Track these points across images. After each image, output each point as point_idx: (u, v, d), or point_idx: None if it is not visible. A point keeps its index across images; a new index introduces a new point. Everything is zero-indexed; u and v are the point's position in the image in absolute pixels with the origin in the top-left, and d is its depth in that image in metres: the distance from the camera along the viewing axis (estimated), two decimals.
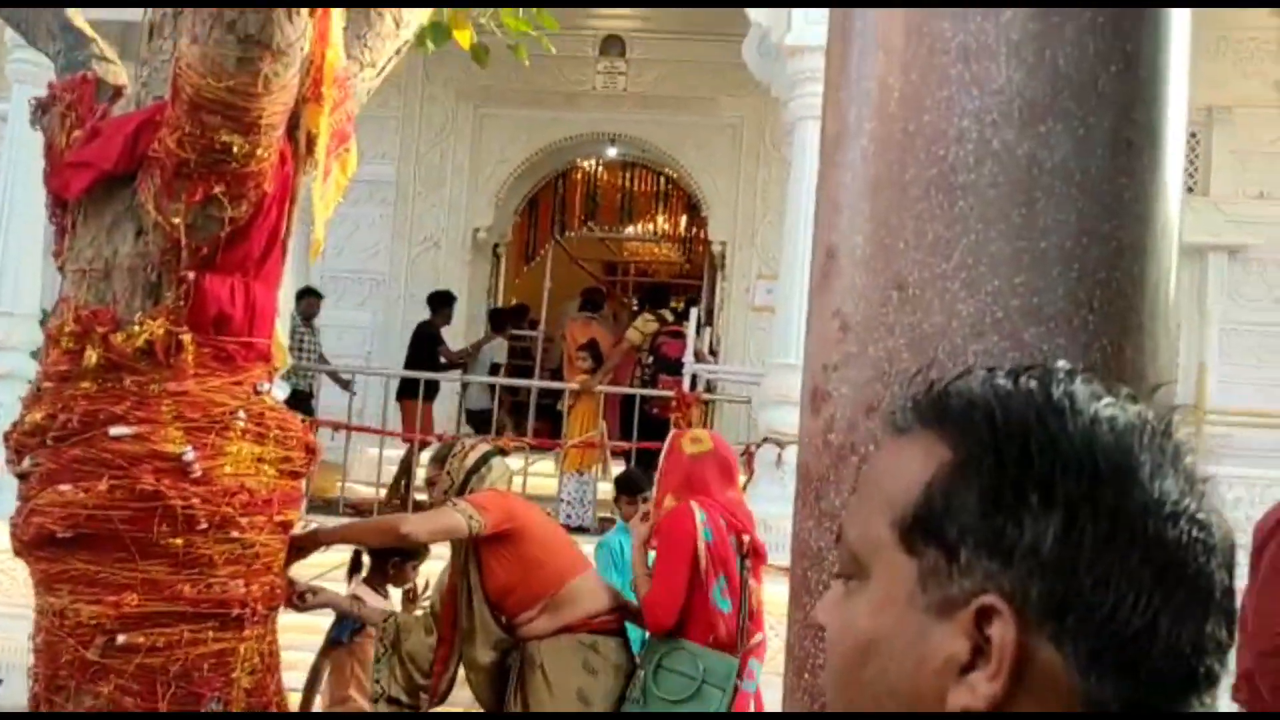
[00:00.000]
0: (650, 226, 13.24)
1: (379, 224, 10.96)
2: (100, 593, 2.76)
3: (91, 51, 3.19)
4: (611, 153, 11.68)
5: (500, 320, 10.71)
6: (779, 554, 4.36)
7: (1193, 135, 9.84)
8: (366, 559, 4.27)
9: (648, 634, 3.77)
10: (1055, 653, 0.65)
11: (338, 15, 2.98)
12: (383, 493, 8.30)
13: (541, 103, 10.69)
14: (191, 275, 2.83)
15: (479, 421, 9.42)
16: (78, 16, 3.34)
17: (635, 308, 12.00)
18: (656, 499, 3.97)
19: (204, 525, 2.79)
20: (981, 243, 1.26)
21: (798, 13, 6.71)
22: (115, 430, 2.77)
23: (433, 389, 9.25)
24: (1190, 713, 0.66)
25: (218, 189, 2.77)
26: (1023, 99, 1.26)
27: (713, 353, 9.92)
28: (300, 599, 3.53)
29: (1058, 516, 0.65)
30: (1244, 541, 7.09)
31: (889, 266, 1.30)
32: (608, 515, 7.50)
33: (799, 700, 1.38)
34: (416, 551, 4.07)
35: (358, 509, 7.96)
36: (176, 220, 2.78)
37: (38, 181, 3.18)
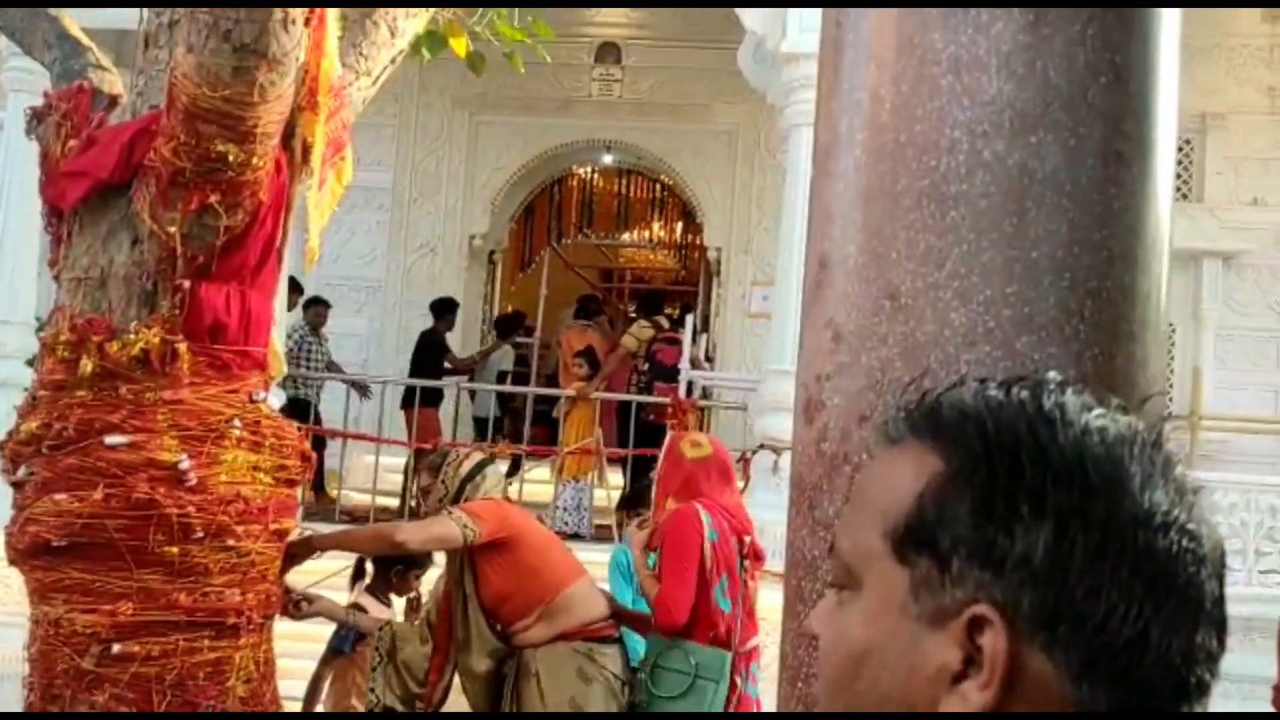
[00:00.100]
0: (646, 233, 13.24)
1: (375, 231, 10.97)
2: (95, 601, 2.76)
3: (87, 60, 3.19)
4: (607, 160, 11.70)
5: (507, 328, 10.69)
6: (774, 560, 4.37)
7: (1187, 142, 9.87)
8: (370, 567, 4.27)
9: (653, 635, 3.79)
10: (1047, 662, 0.65)
11: (333, 24, 2.99)
12: (380, 500, 8.30)
13: (537, 110, 10.70)
14: (187, 284, 2.83)
15: (486, 430, 9.38)
16: (73, 25, 3.34)
17: (632, 314, 12.00)
18: (656, 502, 3.98)
19: (199, 534, 2.79)
20: (973, 253, 1.27)
21: (792, 20, 6.73)
22: (110, 439, 2.77)
23: (437, 395, 9.24)
24: (1182, 713, 0.67)
25: (213, 198, 2.77)
26: (1013, 110, 1.27)
27: (709, 359, 9.92)
28: (296, 607, 3.52)
29: (1049, 527, 0.66)
30: (1239, 547, 7.06)
31: (881, 276, 1.30)
32: (604, 523, 7.50)
33: (793, 709, 1.38)
34: (419, 560, 4.06)
35: (353, 516, 7.95)
36: (172, 229, 2.78)
37: (33, 190, 3.18)
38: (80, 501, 2.75)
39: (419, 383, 8.95)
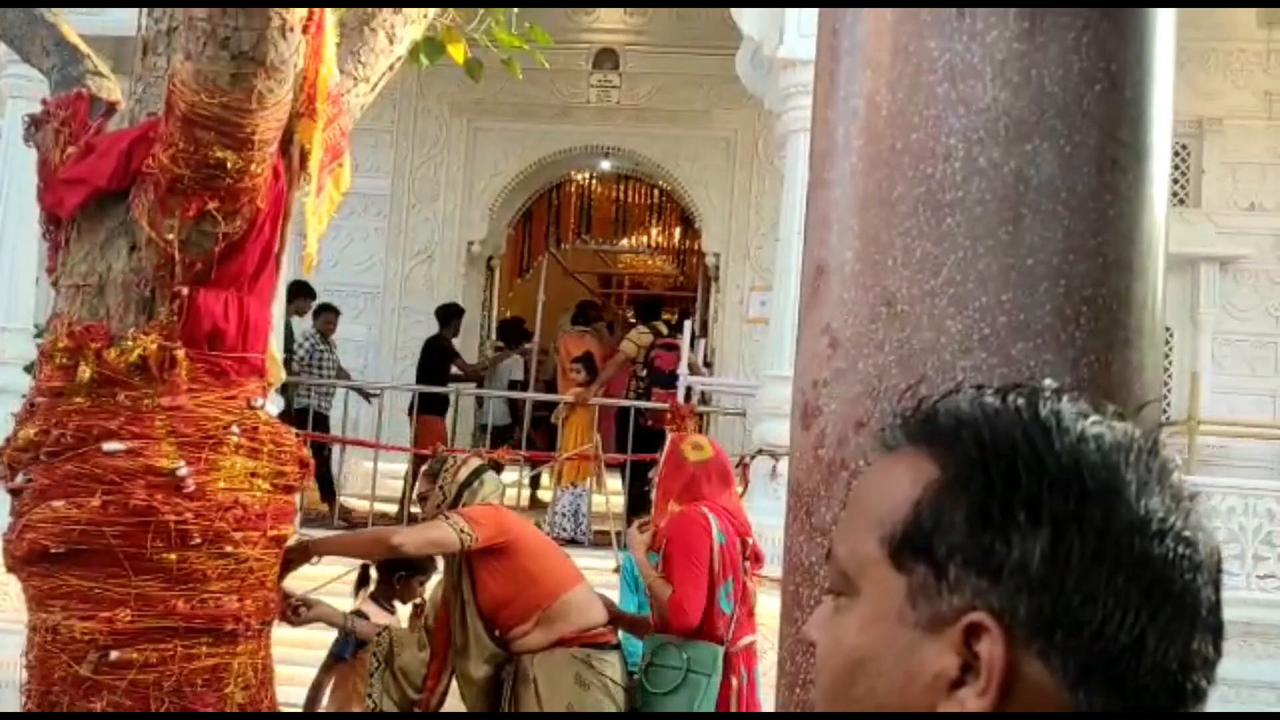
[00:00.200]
0: (644, 239, 13.25)
1: (373, 237, 10.97)
2: (93, 608, 2.76)
3: (85, 67, 3.19)
4: (605, 166, 11.71)
5: (516, 336, 10.68)
6: (772, 566, 4.38)
7: (1184, 147, 9.89)
8: (374, 573, 4.27)
9: (650, 636, 3.80)
10: (1043, 669, 0.66)
11: (331, 32, 3.00)
12: (378, 506, 8.30)
13: (535, 116, 10.72)
14: (185, 291, 2.83)
15: (500, 438, 9.36)
16: (72, 33, 3.35)
17: (632, 320, 12.01)
18: (657, 504, 3.99)
19: (197, 540, 2.79)
20: (969, 259, 1.27)
21: (790, 26, 6.74)
22: (108, 446, 2.77)
23: (443, 402, 9.23)
24: (1178, 713, 0.67)
25: (211, 205, 2.77)
26: (1009, 117, 1.27)
27: (707, 365, 9.92)
28: (295, 613, 3.52)
29: (1045, 534, 0.66)
30: (1236, 552, 7.06)
31: (878, 283, 1.31)
32: (602, 528, 7.50)
33: None
34: (423, 566, 4.06)
35: (351, 522, 7.95)
36: (170, 236, 2.78)
37: (32, 197, 3.19)
38: (78, 508, 2.75)
39: (423, 389, 8.96)
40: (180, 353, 2.82)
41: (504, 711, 3.68)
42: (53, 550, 2.76)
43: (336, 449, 8.75)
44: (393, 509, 8.46)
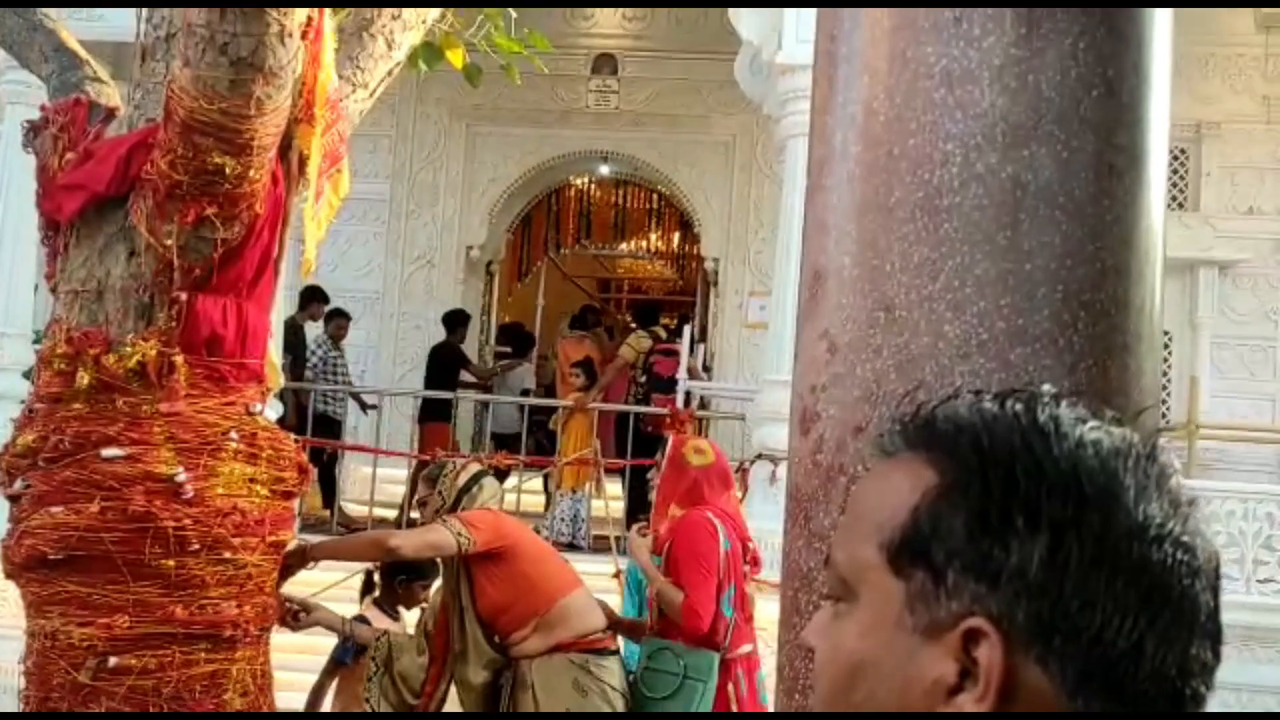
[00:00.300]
0: (643, 244, 13.26)
1: (372, 242, 10.97)
2: (92, 614, 2.75)
3: (84, 73, 3.20)
4: (604, 170, 11.72)
5: (525, 344, 10.67)
6: (771, 571, 4.38)
7: (1182, 151, 9.91)
8: (378, 579, 4.27)
9: (647, 639, 3.80)
10: (1042, 675, 0.66)
11: (330, 38, 3.00)
12: (377, 511, 8.29)
13: (534, 121, 10.73)
14: (184, 296, 2.83)
15: (507, 445, 9.35)
16: (70, 38, 3.35)
17: (633, 325, 12.01)
18: (658, 508, 3.99)
19: (196, 546, 2.78)
20: (967, 265, 1.27)
21: (788, 31, 6.75)
22: (107, 452, 2.77)
23: (449, 410, 9.24)
24: (1175, 713, 0.67)
25: (210, 210, 2.77)
26: (1006, 123, 1.28)
27: (706, 369, 9.92)
28: (294, 618, 3.51)
29: (1044, 539, 0.66)
30: (1236, 556, 7.06)
31: (876, 288, 1.31)
32: (601, 534, 7.50)
33: None
34: (424, 571, 4.05)
35: (349, 528, 7.94)
36: (169, 242, 2.78)
37: (30, 203, 3.19)
38: (77, 514, 2.74)
39: (427, 394, 8.96)
40: (179, 358, 2.82)
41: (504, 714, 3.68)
42: (51, 556, 2.75)
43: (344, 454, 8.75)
44: (392, 514, 8.46)
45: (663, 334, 9.22)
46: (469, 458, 5.17)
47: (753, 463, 6.81)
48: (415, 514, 4.33)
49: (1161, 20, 1.36)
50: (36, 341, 5.98)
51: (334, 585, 4.49)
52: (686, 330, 8.77)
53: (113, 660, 2.74)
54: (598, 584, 4.64)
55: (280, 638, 3.26)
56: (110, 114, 3.07)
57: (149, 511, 2.74)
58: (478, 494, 3.76)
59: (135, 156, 2.83)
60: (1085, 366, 1.27)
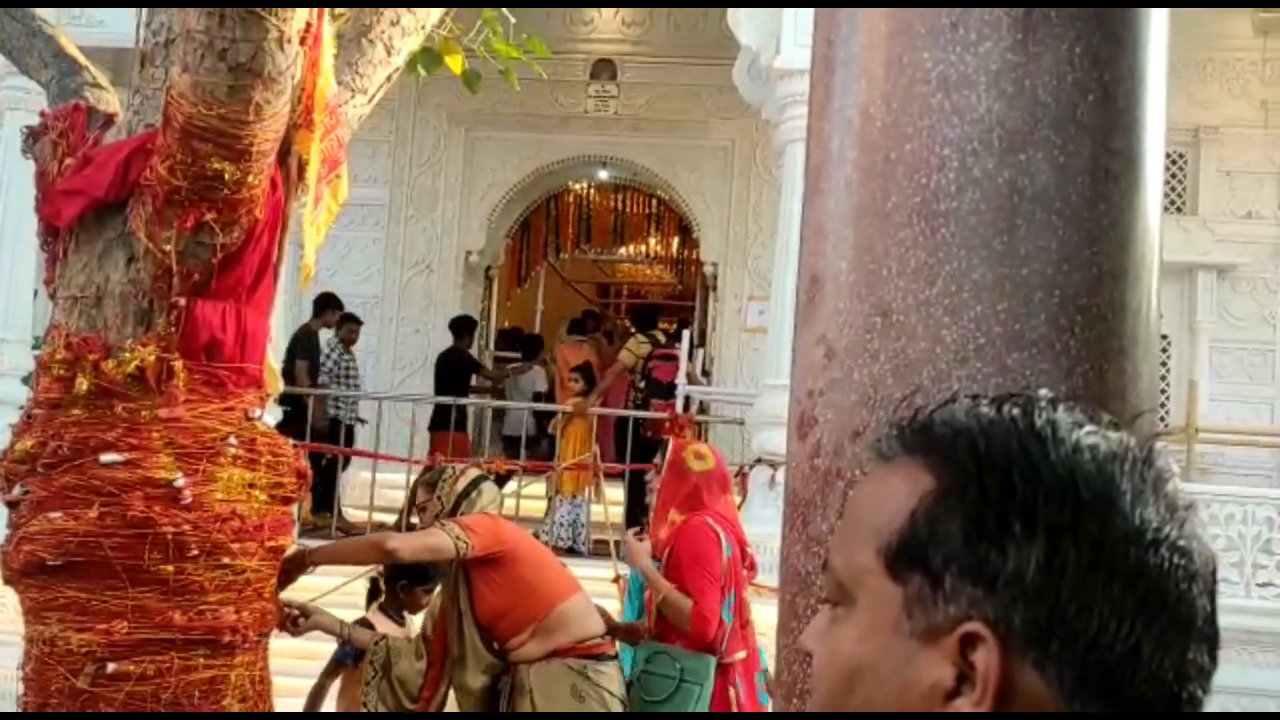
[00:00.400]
0: (642, 248, 13.27)
1: (371, 247, 10.98)
2: (90, 620, 2.75)
3: (83, 79, 3.20)
4: (603, 175, 11.73)
5: (535, 346, 10.67)
6: (771, 575, 4.38)
7: (1181, 155, 9.92)
8: (383, 584, 4.27)
9: (644, 643, 3.81)
10: (1039, 679, 0.66)
11: (329, 43, 3.00)
12: (376, 516, 8.28)
13: (533, 126, 10.74)
14: (183, 302, 2.83)
15: (518, 448, 9.35)
16: (70, 44, 3.36)
17: (632, 329, 12.03)
18: (657, 512, 3.99)
19: (195, 552, 2.78)
20: (964, 269, 1.27)
21: (787, 36, 6.77)
22: (106, 457, 2.76)
23: (462, 416, 9.24)
24: (1173, 713, 0.67)
25: (209, 216, 2.78)
26: (1002, 128, 1.28)
27: (705, 374, 9.92)
28: (294, 623, 3.51)
29: (1040, 544, 0.66)
30: (1235, 560, 7.05)
31: (873, 293, 1.31)
32: (601, 538, 7.49)
33: None
34: (425, 575, 4.05)
35: (348, 533, 7.93)
36: (168, 247, 2.79)
37: (30, 209, 3.19)
38: (75, 520, 2.74)
39: (428, 399, 8.96)
40: (178, 364, 2.82)
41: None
42: (50, 562, 2.75)
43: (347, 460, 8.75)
44: (391, 519, 8.45)
45: (662, 339, 9.22)
46: (468, 463, 5.18)
47: (752, 467, 6.81)
48: (415, 519, 4.33)
49: (1158, 25, 1.37)
50: (35, 347, 5.98)
51: (332, 591, 4.49)
52: (686, 335, 8.76)
53: (111, 666, 2.74)
54: (597, 589, 4.63)
55: (279, 643, 3.25)
56: (109, 120, 3.07)
57: (148, 517, 2.73)
58: (476, 499, 3.76)
59: (134, 162, 2.83)
60: (1082, 371, 1.28)
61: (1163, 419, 9.36)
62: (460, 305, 10.88)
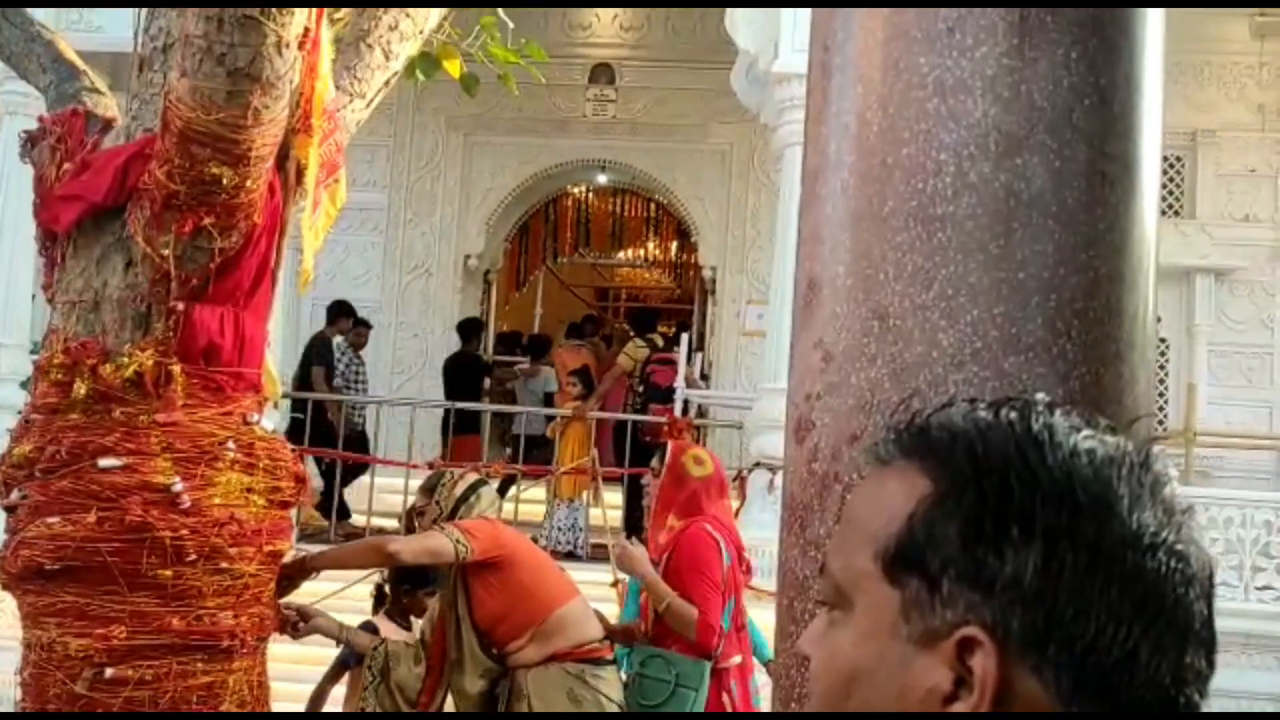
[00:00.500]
0: (641, 252, 13.28)
1: (369, 251, 10.99)
2: (88, 625, 2.75)
3: (82, 84, 3.20)
4: (602, 179, 11.74)
5: (544, 347, 10.68)
6: (768, 579, 4.38)
7: (1178, 159, 9.93)
8: (389, 590, 4.27)
9: (640, 644, 3.80)
10: (1037, 683, 0.66)
11: (327, 48, 3.01)
12: (375, 521, 8.28)
13: (532, 130, 10.75)
14: (181, 306, 2.83)
15: (534, 448, 9.34)
16: (68, 49, 3.36)
17: (630, 333, 12.04)
18: (655, 516, 3.98)
19: (193, 556, 2.78)
20: (961, 274, 1.28)
21: (785, 40, 6.78)
22: (104, 462, 2.76)
23: (476, 420, 9.23)
24: (1172, 713, 0.67)
25: (207, 220, 2.78)
26: (999, 132, 1.28)
27: (704, 378, 9.92)
28: (293, 627, 3.51)
29: (1038, 548, 0.66)
30: (1234, 563, 7.05)
31: (870, 297, 1.31)
32: (599, 542, 7.48)
33: None
34: (427, 579, 4.05)
35: (348, 538, 7.93)
36: (166, 252, 2.79)
37: (28, 214, 3.19)
38: (73, 525, 2.74)
39: (443, 404, 8.95)
40: (176, 368, 2.82)
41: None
42: (48, 567, 2.75)
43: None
44: (392, 524, 8.45)
45: (660, 342, 9.22)
46: (467, 467, 5.17)
47: (750, 471, 6.80)
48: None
49: (1154, 29, 1.37)
50: (34, 352, 5.98)
51: (331, 595, 4.48)
52: (684, 338, 8.76)
53: (109, 671, 2.73)
54: (596, 593, 4.63)
55: (277, 647, 3.25)
56: (107, 125, 3.07)
57: (146, 522, 2.73)
58: (475, 503, 3.76)
59: (132, 167, 2.84)
60: (1079, 374, 1.28)
61: (1161, 423, 9.36)
62: (459, 309, 10.88)
